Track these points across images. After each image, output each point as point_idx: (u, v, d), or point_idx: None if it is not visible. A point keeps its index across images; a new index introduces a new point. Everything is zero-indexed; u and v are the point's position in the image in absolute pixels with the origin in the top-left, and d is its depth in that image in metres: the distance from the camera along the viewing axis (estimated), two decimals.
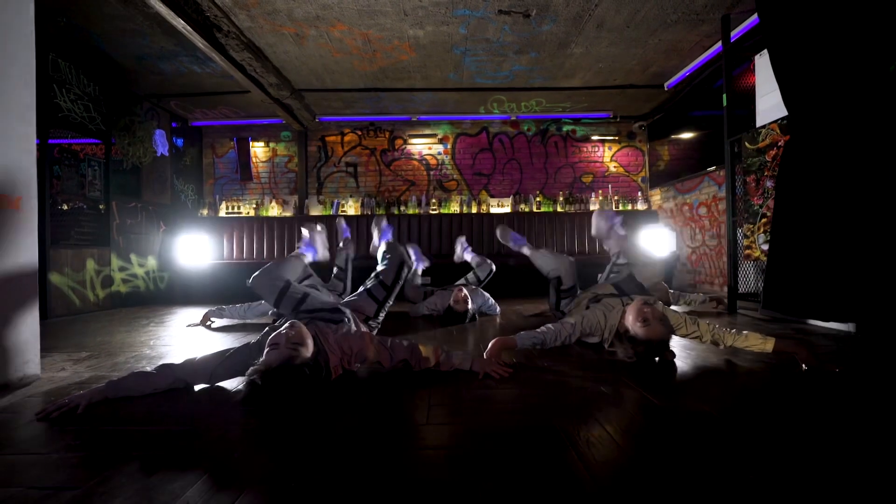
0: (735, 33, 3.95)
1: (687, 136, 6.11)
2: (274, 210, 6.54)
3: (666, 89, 5.46)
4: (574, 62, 4.76)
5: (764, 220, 3.41)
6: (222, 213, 6.57)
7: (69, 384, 1.90)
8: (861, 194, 2.41)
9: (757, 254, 3.49)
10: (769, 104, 3.53)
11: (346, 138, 6.75)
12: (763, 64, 3.60)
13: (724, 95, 3.86)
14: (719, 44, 4.30)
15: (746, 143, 3.56)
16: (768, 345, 2.03)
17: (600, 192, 6.62)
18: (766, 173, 3.39)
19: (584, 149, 6.78)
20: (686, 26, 4.04)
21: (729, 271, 3.85)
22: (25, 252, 1.96)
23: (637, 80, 5.30)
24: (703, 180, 5.29)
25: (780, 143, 3.23)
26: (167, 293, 5.71)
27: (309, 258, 3.09)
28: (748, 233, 3.58)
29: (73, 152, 4.70)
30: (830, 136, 2.53)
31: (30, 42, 1.99)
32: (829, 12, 2.54)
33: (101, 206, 4.80)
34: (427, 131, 6.72)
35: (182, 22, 3.59)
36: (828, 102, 2.54)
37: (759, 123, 3.60)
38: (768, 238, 3.37)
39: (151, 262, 5.52)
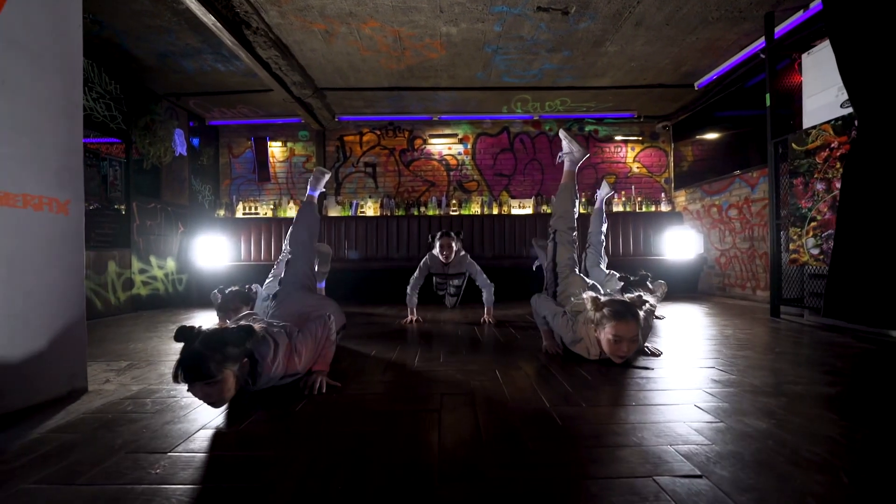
0: (777, 31, 3.84)
1: (712, 136, 6.00)
2: (292, 211, 6.43)
3: (696, 89, 5.35)
4: (606, 61, 4.65)
5: (814, 223, 3.30)
6: (239, 214, 6.47)
7: (121, 398, 1.79)
8: None
9: (805, 258, 3.38)
10: (818, 104, 3.42)
11: (365, 138, 6.64)
12: (811, 63, 3.50)
13: (768, 95, 3.75)
14: (758, 42, 4.21)
15: (794, 145, 3.45)
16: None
17: (623, 193, 6.51)
18: (815, 175, 3.28)
19: (607, 149, 6.67)
20: (726, 24, 3.93)
21: (772, 276, 3.74)
22: (74, 259, 1.86)
23: (667, 80, 5.19)
24: (734, 182, 5.19)
25: (833, 145, 3.12)
26: (185, 295, 5.61)
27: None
28: (794, 236, 3.47)
29: (94, 152, 4.58)
30: None
31: (77, 37, 1.89)
32: None
33: (121, 207, 4.69)
34: (447, 131, 6.62)
35: (212, 18, 3.48)
36: None
37: (806, 124, 3.50)
38: (818, 242, 3.28)
39: (170, 263, 5.41)
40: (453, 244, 3.85)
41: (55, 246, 1.78)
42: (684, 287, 5.79)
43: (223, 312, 3.36)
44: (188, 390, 1.50)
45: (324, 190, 3.34)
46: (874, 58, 2.47)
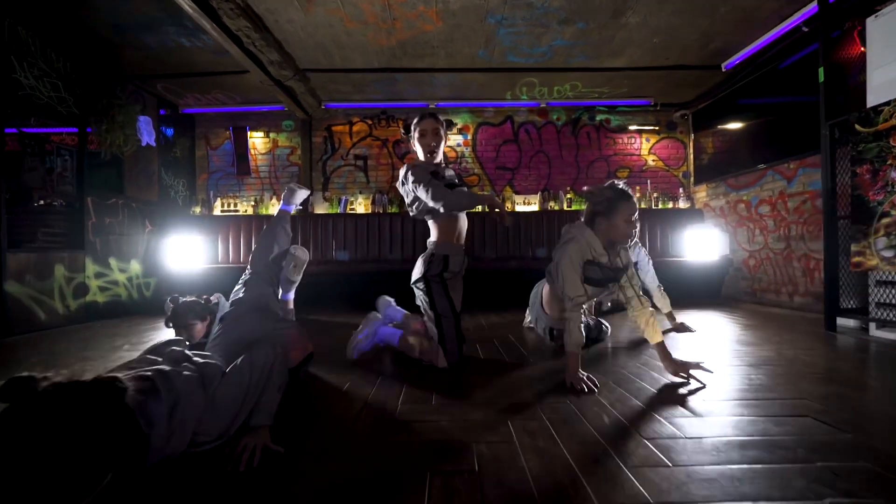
0: None
1: (737, 126, 5.40)
2: (274, 208, 5.84)
3: (722, 70, 4.78)
4: (626, 35, 4.07)
5: (886, 220, 2.73)
6: (217, 212, 5.89)
7: None
8: None
9: (873, 262, 2.81)
10: (890, 76, 2.85)
11: (355, 128, 6.06)
12: (880, 27, 2.92)
13: (821, 69, 3.18)
14: (805, 10, 3.64)
15: (857, 126, 2.88)
16: (656, 338, 2.02)
17: (637, 188, 5.93)
18: (889, 162, 2.71)
19: (620, 140, 6.09)
20: None
21: (827, 282, 3.17)
22: None
23: (692, 60, 4.62)
24: (766, 175, 4.62)
25: None
26: (154, 301, 5.02)
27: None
28: (858, 235, 2.90)
29: (37, 138, 4.01)
30: None
31: None
32: None
33: (72, 202, 4.11)
34: (445, 120, 6.02)
35: None
36: None
37: (873, 102, 2.92)
38: (891, 242, 2.71)
39: (135, 266, 4.83)
40: (441, 130, 2.46)
41: None
42: (707, 292, 5.21)
43: (175, 327, 2.79)
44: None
45: (300, 206, 2.98)
46: None
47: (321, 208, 5.96)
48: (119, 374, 1.07)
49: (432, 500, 1.02)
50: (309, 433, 1.44)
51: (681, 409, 1.58)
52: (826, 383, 1.88)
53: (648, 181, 6.03)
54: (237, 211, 5.91)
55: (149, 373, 1.15)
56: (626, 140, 6.10)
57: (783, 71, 4.47)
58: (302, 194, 3.05)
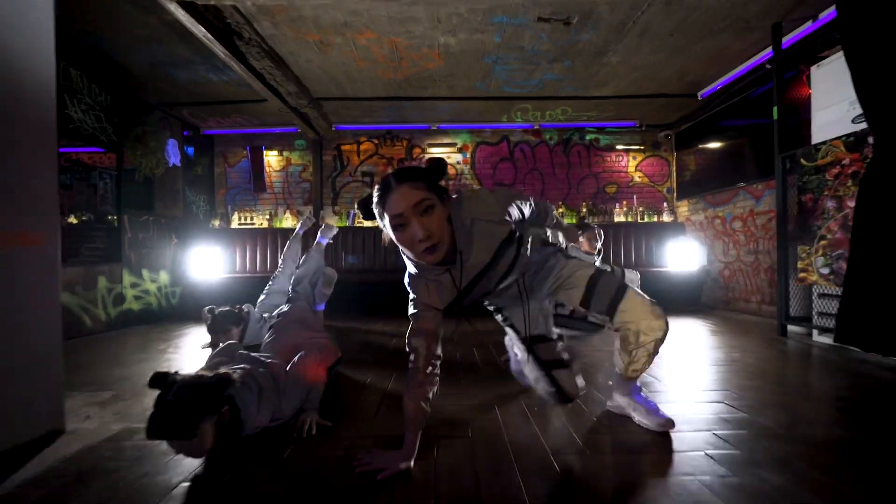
0: (785, 41, 3.74)
1: (716, 146, 5.88)
2: (288, 221, 6.32)
3: (699, 98, 5.26)
4: (609, 71, 4.55)
5: (823, 242, 3.20)
6: (234, 225, 6.35)
7: (99, 441, 1.68)
8: None
9: (814, 278, 3.28)
10: (828, 119, 3.32)
11: (363, 147, 6.54)
12: (821, 75, 3.40)
13: (775, 108, 3.65)
14: (765, 53, 4.12)
15: (803, 160, 3.35)
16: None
17: (624, 202, 6.40)
18: (826, 192, 3.18)
19: (608, 158, 6.57)
20: (733, 34, 3.83)
21: (779, 293, 3.64)
22: (49, 295, 1.75)
23: (671, 89, 5.10)
24: (738, 193, 5.09)
25: (844, 162, 3.02)
26: (179, 308, 5.50)
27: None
28: (803, 254, 3.37)
29: (84, 164, 4.49)
30: None
31: (50, 50, 1.78)
32: None
33: (112, 220, 4.59)
34: (446, 140, 6.52)
35: (202, 29, 3.38)
36: None
37: (816, 139, 3.40)
38: (828, 262, 3.17)
39: (163, 276, 5.31)
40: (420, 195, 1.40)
41: (29, 281, 1.67)
42: (687, 300, 5.68)
43: (214, 334, 3.27)
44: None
45: (331, 241, 3.55)
46: (892, 71, 2.36)
47: (330, 221, 6.42)
48: (228, 371, 1.54)
49: (439, 454, 1.49)
50: (342, 415, 1.90)
51: None
52: (752, 378, 2.34)
53: (635, 196, 6.49)
54: (253, 224, 6.37)
55: (240, 372, 1.62)
56: (613, 158, 6.58)
57: (754, 99, 4.94)
58: (335, 230, 3.57)
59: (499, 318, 1.87)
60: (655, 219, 6.31)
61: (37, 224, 1.71)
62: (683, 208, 6.27)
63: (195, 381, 1.44)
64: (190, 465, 1.48)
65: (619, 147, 6.56)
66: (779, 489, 1.25)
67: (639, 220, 6.28)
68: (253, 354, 1.91)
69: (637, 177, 6.59)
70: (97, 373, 2.75)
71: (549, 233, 1.79)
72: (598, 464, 1.42)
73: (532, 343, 1.71)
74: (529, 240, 1.49)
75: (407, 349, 1.48)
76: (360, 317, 4.97)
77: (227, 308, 3.33)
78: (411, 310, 1.49)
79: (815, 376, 2.52)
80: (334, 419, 1.81)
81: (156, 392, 1.42)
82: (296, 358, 1.87)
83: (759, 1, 3.34)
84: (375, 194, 1.32)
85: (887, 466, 1.39)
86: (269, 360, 1.81)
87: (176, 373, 1.46)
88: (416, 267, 1.43)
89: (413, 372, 1.45)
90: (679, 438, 1.60)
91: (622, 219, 6.25)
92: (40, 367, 1.71)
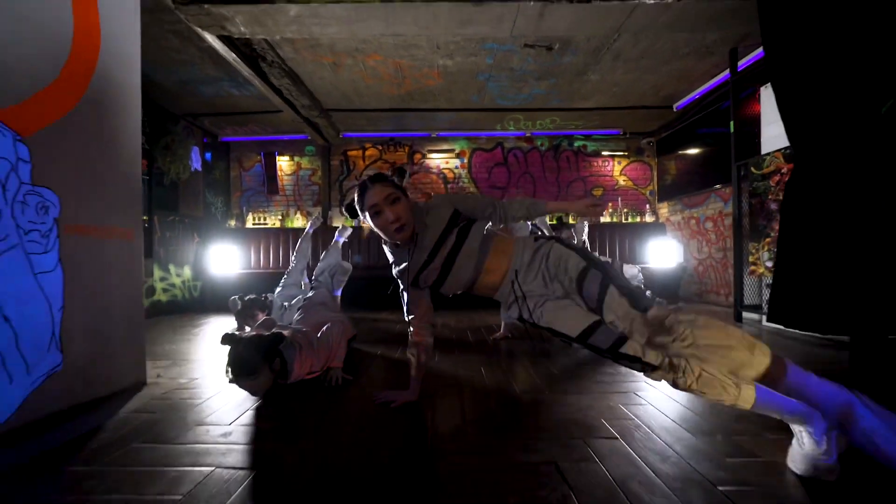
0: (742, 63, 4.27)
1: (694, 152, 6.40)
2: (298, 221, 6.84)
3: (674, 110, 5.79)
4: (590, 87, 5.08)
5: (768, 239, 3.72)
6: (249, 225, 6.88)
7: (175, 388, 2.21)
8: (854, 222, 2.72)
9: (761, 270, 3.80)
10: (773, 133, 3.85)
11: (368, 153, 7.07)
12: (768, 96, 3.92)
13: (732, 123, 4.18)
14: (726, 72, 4.63)
15: (753, 169, 3.88)
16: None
17: (610, 204, 6.93)
18: (769, 197, 3.70)
19: (595, 163, 7.10)
20: (696, 57, 4.36)
21: (735, 284, 4.17)
22: (137, 278, 2.28)
23: (648, 102, 5.63)
24: (710, 196, 5.61)
25: (783, 171, 3.55)
26: (200, 301, 6.02)
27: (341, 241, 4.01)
28: (753, 250, 3.89)
29: None
30: (829, 169, 2.85)
31: (137, 88, 2.31)
32: (830, 55, 2.85)
33: (145, 220, 5.11)
34: (445, 146, 7.05)
35: (233, 55, 3.91)
36: (826, 139, 2.86)
37: (763, 151, 3.92)
38: (772, 256, 3.70)
39: (187, 271, 5.83)
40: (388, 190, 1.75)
41: (125, 268, 2.19)
42: (666, 293, 6.19)
43: (242, 318, 3.79)
44: (233, 382, 1.92)
45: (346, 240, 4.04)
46: (806, 103, 2.89)
47: (338, 221, 6.95)
48: (281, 330, 2.07)
49: (437, 406, 2.02)
50: (360, 374, 2.42)
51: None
52: None
53: (619, 198, 7.02)
54: (266, 224, 6.90)
55: (289, 331, 2.14)
56: (600, 163, 7.11)
57: (724, 110, 5.43)
58: (349, 231, 4.05)
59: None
60: (638, 219, 6.83)
61: (126, 222, 2.23)
62: (664, 210, 6.80)
63: (256, 338, 1.96)
64: (250, 400, 2.00)
65: (605, 153, 7.09)
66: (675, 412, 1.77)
67: (623, 221, 6.80)
68: (291, 325, 2.43)
69: (622, 180, 7.12)
70: (150, 349, 3.27)
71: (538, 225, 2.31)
72: (555, 399, 1.95)
73: (584, 340, 1.45)
74: (471, 232, 1.71)
75: (408, 320, 1.96)
76: (366, 308, 5.49)
77: (254, 295, 3.86)
78: (401, 290, 1.93)
79: None
80: (354, 376, 2.34)
81: (204, 357, 1.95)
82: (324, 328, 2.39)
83: (717, 31, 3.86)
84: (356, 194, 1.76)
85: None
86: (305, 329, 2.34)
87: (241, 332, 1.98)
88: (391, 252, 1.87)
89: (411, 333, 1.95)
90: (608, 400, 2.12)
91: (608, 219, 6.77)
92: (130, 334, 2.23)
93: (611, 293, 1.46)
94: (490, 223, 1.79)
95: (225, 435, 1.61)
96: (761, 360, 1.24)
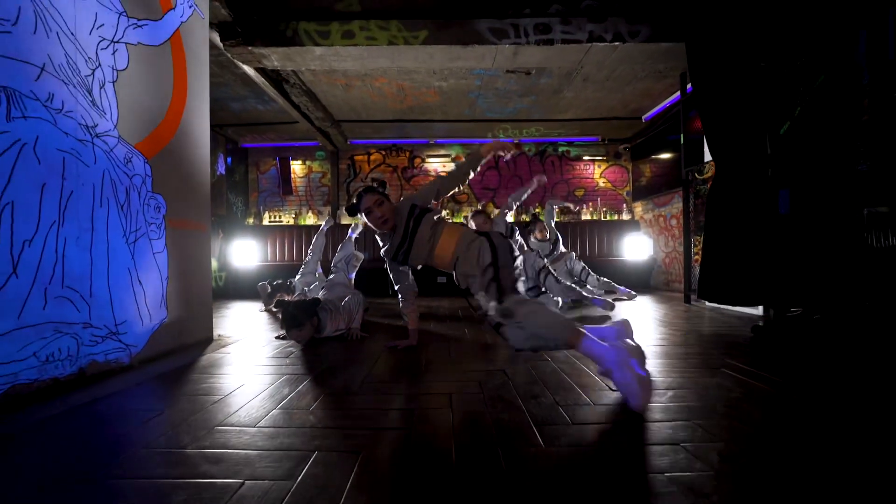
0: (689, 87, 5.03)
1: (664, 156, 7.18)
2: (310, 219, 7.63)
3: (643, 121, 6.57)
4: (566, 102, 5.87)
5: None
6: (266, 222, 7.66)
7: (235, 342, 2.99)
8: (757, 217, 3.51)
9: None
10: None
11: (372, 157, 7.85)
12: None
13: (682, 136, 4.96)
14: (678, 93, 5.41)
15: (696, 174, 4.66)
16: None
17: (591, 204, 7.72)
18: None
19: (577, 167, 7.88)
20: (653, 79, 5.14)
21: (684, 272, 4.95)
22: (207, 259, 3.06)
23: (619, 114, 6.41)
24: (675, 196, 6.39)
25: None
26: (224, 290, 6.81)
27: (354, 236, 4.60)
28: (697, 243, 4.67)
29: None
30: (741, 177, 3.63)
31: (206, 122, 3.09)
32: (741, 90, 3.63)
33: None
34: (442, 152, 7.83)
35: (262, 79, 4.69)
36: (739, 154, 3.64)
37: (705, 160, 4.70)
38: None
39: (214, 264, 6.61)
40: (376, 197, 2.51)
41: (202, 253, 2.98)
42: (640, 283, 6.97)
43: (271, 299, 4.59)
44: (284, 335, 2.71)
45: (357, 236, 4.70)
46: (724, 127, 3.68)
47: (346, 220, 7.73)
48: (319, 297, 2.86)
49: (430, 349, 2.80)
50: (373, 335, 3.21)
51: None
52: (657, 326, 3.64)
53: (599, 199, 7.81)
54: (281, 222, 7.68)
55: (323, 298, 2.93)
56: (582, 167, 7.89)
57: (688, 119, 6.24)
58: (360, 227, 4.76)
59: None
60: (616, 217, 7.61)
61: (201, 218, 3.01)
62: (638, 208, 7.58)
63: (301, 301, 2.75)
64: (295, 346, 2.78)
65: (586, 157, 7.87)
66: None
67: (602, 219, 7.58)
68: (322, 298, 3.23)
69: (601, 182, 7.90)
70: None
71: (497, 221, 3.15)
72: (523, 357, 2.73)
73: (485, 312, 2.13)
74: (423, 221, 2.37)
75: (396, 289, 2.74)
76: (370, 294, 6.28)
77: (280, 281, 4.66)
78: (389, 270, 2.67)
79: (692, 323, 3.81)
80: (370, 333, 3.13)
81: (246, 328, 2.74)
82: (346, 299, 3.18)
83: (667, 61, 4.62)
84: (355, 200, 2.54)
85: (710, 359, 2.69)
86: (332, 299, 3.12)
87: (290, 300, 2.77)
88: (380, 238, 2.58)
89: (402, 299, 2.74)
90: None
91: (589, 217, 7.55)
92: (204, 301, 3.02)
93: (490, 288, 2.08)
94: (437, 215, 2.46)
95: (289, 363, 2.40)
96: (563, 333, 1.85)
